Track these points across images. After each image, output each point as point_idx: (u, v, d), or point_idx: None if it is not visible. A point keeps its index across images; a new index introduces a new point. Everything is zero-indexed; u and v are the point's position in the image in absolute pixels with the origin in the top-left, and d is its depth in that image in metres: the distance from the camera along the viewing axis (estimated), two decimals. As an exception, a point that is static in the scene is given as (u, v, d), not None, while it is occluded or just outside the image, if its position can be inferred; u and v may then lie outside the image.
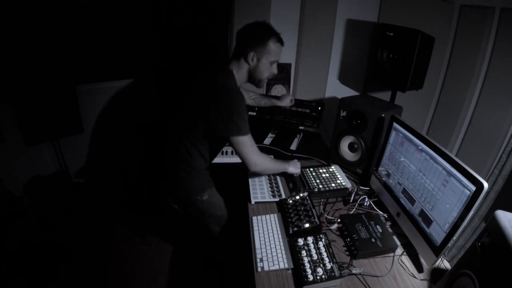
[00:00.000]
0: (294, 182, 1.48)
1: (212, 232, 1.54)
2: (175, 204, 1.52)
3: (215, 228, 1.54)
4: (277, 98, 1.90)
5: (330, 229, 1.23)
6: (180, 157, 1.34)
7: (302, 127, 1.92)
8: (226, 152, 1.74)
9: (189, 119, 1.29)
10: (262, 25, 1.29)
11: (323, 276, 0.96)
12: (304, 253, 1.04)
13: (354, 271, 1.02)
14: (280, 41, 1.31)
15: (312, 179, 1.47)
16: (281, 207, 1.31)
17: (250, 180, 1.47)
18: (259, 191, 1.41)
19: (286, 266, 1.04)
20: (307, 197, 1.31)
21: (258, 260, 1.06)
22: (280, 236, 1.16)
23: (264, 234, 1.17)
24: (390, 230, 1.21)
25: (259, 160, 1.29)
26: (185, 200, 1.45)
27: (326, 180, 1.47)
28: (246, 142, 1.24)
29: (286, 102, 1.88)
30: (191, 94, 1.32)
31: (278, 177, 1.52)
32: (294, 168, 1.48)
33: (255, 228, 1.21)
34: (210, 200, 1.44)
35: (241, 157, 1.27)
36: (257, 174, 1.48)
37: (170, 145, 1.37)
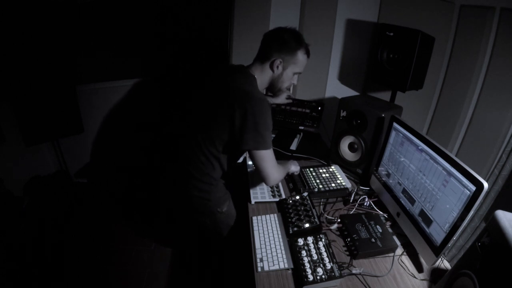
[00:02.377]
0: (294, 182, 1.48)
1: (221, 237, 1.51)
2: (190, 215, 1.46)
3: (225, 234, 1.50)
4: (271, 96, 1.82)
5: (330, 229, 1.23)
6: (202, 168, 1.26)
7: (302, 127, 1.92)
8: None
9: (212, 129, 1.20)
10: (294, 33, 1.21)
11: (323, 276, 0.96)
12: (304, 253, 1.04)
13: (354, 271, 1.02)
14: (308, 53, 1.26)
15: (312, 179, 1.47)
16: (281, 207, 1.31)
17: (250, 180, 1.47)
18: (259, 191, 1.41)
19: (286, 266, 1.04)
20: (307, 197, 1.31)
21: (258, 260, 1.06)
22: (280, 236, 1.16)
23: (264, 234, 1.17)
24: (390, 230, 1.21)
25: (277, 175, 1.23)
26: (203, 212, 1.36)
27: (326, 180, 1.47)
28: (269, 156, 1.18)
29: (281, 99, 1.78)
30: (211, 100, 1.24)
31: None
32: (295, 167, 1.48)
33: (255, 228, 1.21)
34: (228, 211, 1.40)
35: (259, 171, 1.20)
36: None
37: (190, 154, 1.27)
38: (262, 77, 1.25)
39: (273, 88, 1.32)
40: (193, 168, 1.27)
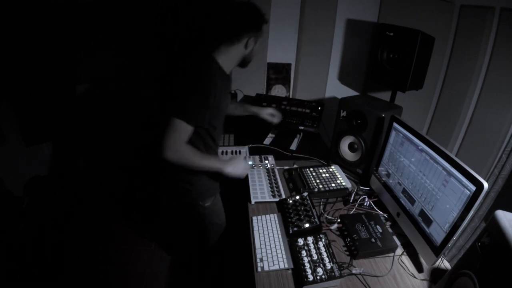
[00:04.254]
0: (294, 182, 1.48)
1: (208, 238, 1.53)
2: (176, 206, 1.50)
3: (212, 235, 1.53)
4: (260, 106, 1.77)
5: (330, 229, 1.23)
6: None
7: (302, 127, 1.92)
8: (226, 152, 1.74)
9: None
10: (254, 8, 1.20)
11: (323, 276, 0.96)
12: (304, 253, 1.04)
13: (354, 271, 1.02)
14: (266, 21, 1.25)
15: (312, 179, 1.47)
16: (281, 207, 1.30)
17: (250, 180, 1.47)
18: (259, 191, 1.41)
19: (286, 266, 1.04)
20: (307, 197, 1.31)
21: (258, 260, 1.06)
22: (280, 236, 1.16)
23: (264, 234, 1.17)
24: (390, 230, 1.21)
25: (177, 153, 1.11)
26: (188, 203, 1.40)
27: (326, 180, 1.47)
28: (180, 128, 1.09)
29: (265, 114, 1.69)
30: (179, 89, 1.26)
31: (278, 177, 1.52)
32: (234, 168, 1.24)
33: (255, 228, 1.21)
34: (212, 208, 1.41)
35: (161, 140, 1.10)
36: (258, 174, 1.48)
37: None
38: (230, 56, 1.23)
39: (244, 63, 1.31)
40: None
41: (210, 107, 1.14)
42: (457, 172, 0.93)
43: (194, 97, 1.11)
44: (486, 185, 0.83)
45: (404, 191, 1.20)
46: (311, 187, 1.42)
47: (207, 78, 1.13)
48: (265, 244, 1.13)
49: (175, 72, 1.29)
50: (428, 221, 1.03)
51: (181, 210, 1.49)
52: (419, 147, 1.12)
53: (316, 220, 1.19)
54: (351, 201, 1.36)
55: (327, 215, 1.31)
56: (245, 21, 1.19)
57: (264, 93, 2.20)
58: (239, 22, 1.19)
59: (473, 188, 0.86)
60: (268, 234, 1.17)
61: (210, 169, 1.23)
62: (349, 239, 1.14)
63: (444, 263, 1.09)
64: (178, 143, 1.12)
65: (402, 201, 1.20)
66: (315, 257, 1.03)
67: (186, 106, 1.10)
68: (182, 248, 2.17)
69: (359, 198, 1.36)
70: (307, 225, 1.17)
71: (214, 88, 1.13)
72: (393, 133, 1.29)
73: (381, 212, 1.30)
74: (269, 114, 1.70)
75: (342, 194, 1.42)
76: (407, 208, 1.16)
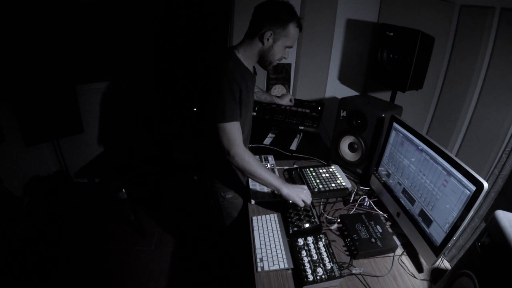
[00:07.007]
0: (294, 182, 1.48)
1: (223, 228, 1.54)
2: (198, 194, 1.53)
3: (227, 224, 1.53)
4: (277, 96, 1.91)
5: (330, 229, 1.23)
6: (213, 151, 1.28)
7: (302, 127, 1.92)
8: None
9: (203, 110, 1.25)
10: (285, 5, 1.16)
11: (323, 276, 0.96)
12: (304, 253, 1.04)
13: (354, 271, 1.02)
14: (300, 26, 1.20)
15: (312, 179, 1.47)
16: (281, 207, 1.30)
17: (250, 180, 1.47)
18: (259, 191, 1.41)
19: (286, 266, 1.04)
20: (307, 197, 1.31)
21: (258, 260, 1.06)
22: (280, 236, 1.16)
23: (264, 234, 1.17)
24: (390, 230, 1.21)
25: (238, 152, 1.15)
26: (210, 191, 1.43)
27: (326, 180, 1.47)
28: (231, 129, 1.14)
29: (285, 101, 1.91)
30: (204, 86, 1.26)
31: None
32: (291, 192, 1.19)
33: (255, 228, 1.21)
34: (232, 200, 1.43)
35: (223, 149, 1.16)
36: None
37: (205, 140, 1.35)
38: (250, 51, 1.21)
39: (263, 62, 1.25)
40: (208, 150, 1.36)
41: (238, 101, 1.17)
42: (457, 172, 0.93)
43: (226, 99, 1.12)
44: (486, 185, 0.83)
45: (404, 191, 1.20)
46: (311, 187, 1.41)
47: (229, 74, 1.13)
48: (265, 244, 1.13)
49: (199, 71, 1.31)
50: (428, 221, 1.03)
51: (203, 198, 1.52)
52: (419, 147, 1.12)
53: (316, 220, 1.19)
54: (351, 201, 1.36)
55: (327, 215, 1.31)
56: (263, 12, 1.16)
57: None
58: (261, 10, 1.17)
59: (473, 188, 0.86)
60: (268, 234, 1.17)
61: (269, 184, 1.20)
62: (349, 239, 1.14)
63: (444, 263, 1.09)
64: (238, 143, 1.15)
65: (402, 201, 1.20)
66: (315, 257, 1.03)
67: (223, 108, 1.12)
68: (185, 247, 2.17)
69: (359, 198, 1.36)
70: (307, 225, 1.17)
71: (236, 83, 1.14)
72: (393, 133, 1.29)
73: (381, 212, 1.30)
74: (288, 101, 1.95)
75: (342, 194, 1.42)
76: (407, 208, 1.16)
